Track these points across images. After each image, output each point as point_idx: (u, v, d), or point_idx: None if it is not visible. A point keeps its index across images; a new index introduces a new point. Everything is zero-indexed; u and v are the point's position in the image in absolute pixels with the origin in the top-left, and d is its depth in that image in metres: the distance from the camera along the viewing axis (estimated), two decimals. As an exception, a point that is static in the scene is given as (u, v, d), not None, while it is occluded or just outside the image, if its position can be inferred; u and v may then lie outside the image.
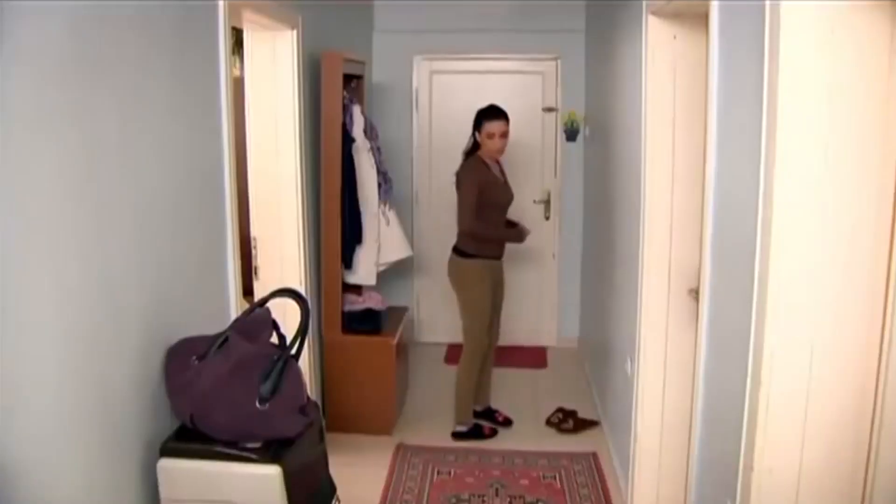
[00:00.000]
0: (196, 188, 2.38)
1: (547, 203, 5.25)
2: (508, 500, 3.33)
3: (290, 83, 3.37)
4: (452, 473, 3.54)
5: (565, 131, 5.16)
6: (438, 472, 3.56)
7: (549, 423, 4.09)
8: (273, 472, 1.97)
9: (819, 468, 1.67)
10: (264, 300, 2.27)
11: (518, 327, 5.39)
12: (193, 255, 2.37)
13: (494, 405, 4.14)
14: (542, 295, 5.39)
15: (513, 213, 4.00)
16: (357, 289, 4.10)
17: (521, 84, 5.21)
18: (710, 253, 2.15)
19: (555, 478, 3.52)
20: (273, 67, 3.38)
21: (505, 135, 3.73)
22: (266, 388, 1.99)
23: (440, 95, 5.23)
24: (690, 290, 2.75)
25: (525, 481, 3.49)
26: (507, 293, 5.35)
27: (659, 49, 2.77)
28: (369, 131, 4.00)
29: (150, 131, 2.06)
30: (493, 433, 3.93)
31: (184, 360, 2.09)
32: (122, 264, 1.91)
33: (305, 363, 3.44)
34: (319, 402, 3.53)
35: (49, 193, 1.61)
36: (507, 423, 4.05)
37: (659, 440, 2.95)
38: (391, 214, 4.10)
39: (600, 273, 4.25)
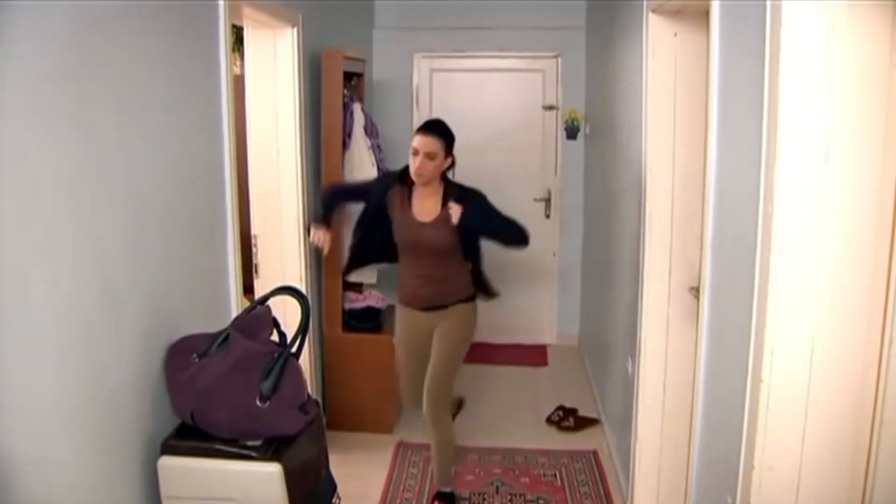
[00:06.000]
0: (196, 186, 2.38)
1: (547, 201, 5.25)
2: (509, 498, 3.33)
3: (291, 81, 3.38)
4: (453, 471, 3.54)
5: (566, 129, 5.16)
6: (439, 470, 3.56)
7: (549, 421, 4.09)
8: (273, 469, 1.97)
9: (819, 466, 1.67)
10: (265, 298, 2.27)
11: (519, 325, 5.40)
12: (194, 252, 2.37)
13: (494, 402, 4.13)
14: (543, 293, 5.39)
15: (512, 214, 3.80)
16: (357, 287, 4.10)
17: (522, 82, 5.21)
18: (711, 251, 2.15)
19: (555, 476, 3.52)
20: (273, 65, 3.38)
21: (427, 155, 2.91)
22: (266, 386, 1.99)
23: (441, 93, 5.23)
24: (691, 288, 2.75)
25: (525, 479, 3.49)
26: (507, 291, 5.36)
27: (659, 47, 2.77)
28: (369, 129, 4.00)
29: (149, 129, 2.05)
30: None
31: (184, 357, 2.09)
32: (121, 262, 1.91)
33: (306, 361, 3.44)
34: (320, 400, 3.53)
35: (47, 191, 1.61)
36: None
37: (659, 438, 2.95)
38: (392, 212, 4.09)
39: (601, 271, 4.25)
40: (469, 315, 3.14)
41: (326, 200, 3.28)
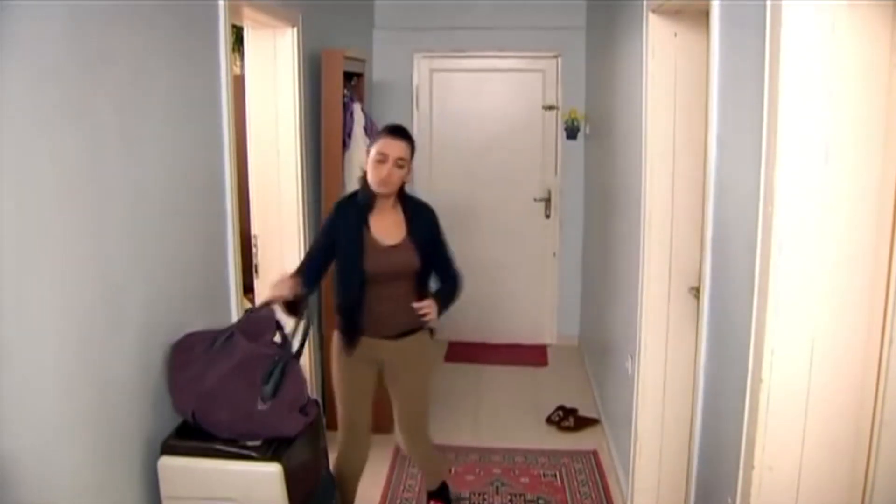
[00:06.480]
0: (197, 186, 2.38)
1: (547, 201, 5.25)
2: (509, 498, 3.33)
3: (291, 81, 3.38)
4: (453, 471, 3.54)
5: (566, 129, 5.15)
6: (439, 470, 3.56)
7: (549, 421, 4.09)
8: (274, 469, 1.98)
9: (819, 466, 1.67)
10: (268, 301, 2.28)
11: (519, 325, 5.40)
12: (194, 252, 2.37)
13: (494, 402, 4.12)
14: (543, 293, 5.39)
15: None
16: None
17: (522, 82, 5.21)
18: (711, 251, 2.15)
19: (555, 476, 3.52)
20: (273, 65, 3.38)
21: (396, 162, 2.55)
22: (268, 389, 2.00)
23: (441, 93, 5.23)
24: (691, 289, 2.75)
25: (525, 479, 3.49)
26: (507, 291, 5.39)
27: (659, 47, 2.77)
28: (369, 129, 4.00)
29: (150, 129, 2.06)
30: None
31: (188, 355, 2.10)
32: (122, 262, 1.91)
33: (306, 361, 3.44)
34: (320, 400, 3.52)
35: (48, 191, 1.61)
36: None
37: (659, 438, 2.95)
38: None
39: (601, 271, 4.25)
40: (429, 341, 2.90)
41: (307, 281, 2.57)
